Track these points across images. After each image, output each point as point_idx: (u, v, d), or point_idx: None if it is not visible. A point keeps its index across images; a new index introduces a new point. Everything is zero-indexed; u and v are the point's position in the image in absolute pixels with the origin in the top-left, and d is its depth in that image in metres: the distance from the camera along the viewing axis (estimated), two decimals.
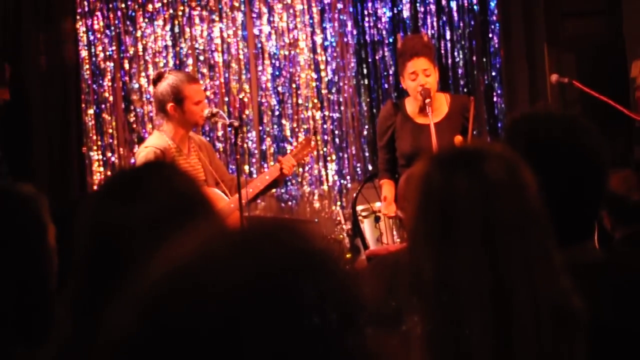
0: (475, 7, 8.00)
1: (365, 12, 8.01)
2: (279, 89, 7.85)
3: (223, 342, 0.98)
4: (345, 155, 7.96)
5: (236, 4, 7.77)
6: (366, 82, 8.03)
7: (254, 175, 7.44)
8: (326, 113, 7.91)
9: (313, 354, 1.00)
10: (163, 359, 1.00)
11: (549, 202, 1.97)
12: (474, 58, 8.03)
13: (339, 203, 7.84)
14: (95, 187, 7.34)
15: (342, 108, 7.95)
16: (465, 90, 7.95)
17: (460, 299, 1.81)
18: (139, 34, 7.61)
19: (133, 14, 7.61)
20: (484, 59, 8.05)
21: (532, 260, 1.84)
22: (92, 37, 7.51)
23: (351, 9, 7.98)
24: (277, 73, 7.85)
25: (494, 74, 8.03)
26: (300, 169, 7.74)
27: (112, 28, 7.58)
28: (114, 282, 1.62)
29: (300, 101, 7.86)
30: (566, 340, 1.84)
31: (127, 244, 1.70)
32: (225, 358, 0.98)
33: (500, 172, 1.88)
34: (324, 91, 7.90)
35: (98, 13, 7.52)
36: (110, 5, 7.56)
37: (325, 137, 7.90)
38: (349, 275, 1.09)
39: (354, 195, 6.69)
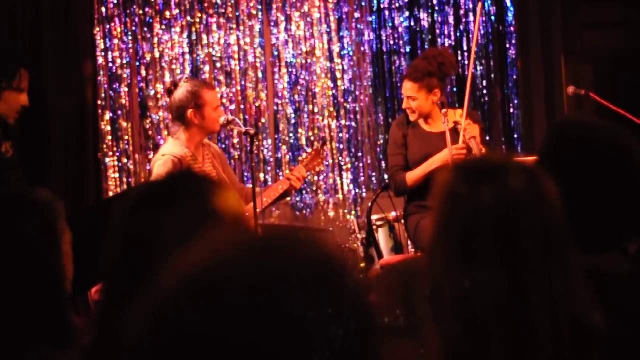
0: (492, 18, 8.00)
1: (383, 22, 8.01)
2: (296, 97, 7.86)
3: (236, 348, 0.98)
4: (361, 165, 7.96)
5: (254, 12, 7.78)
6: (383, 91, 8.03)
7: (269, 183, 7.44)
8: (342, 122, 7.92)
9: (296, 344, 1.01)
10: None
11: (587, 206, 1.98)
12: (492, 69, 8.03)
13: (353, 212, 7.84)
14: (110, 194, 7.36)
15: (358, 117, 7.95)
16: (482, 101, 7.95)
17: (479, 312, 1.81)
18: (156, 40, 7.63)
19: (150, 20, 7.63)
20: (501, 70, 8.05)
21: (552, 275, 1.83)
22: (109, 43, 7.53)
23: (369, 18, 7.98)
24: (293, 81, 7.86)
25: (510, 85, 8.02)
26: (316, 178, 7.74)
27: (130, 34, 7.60)
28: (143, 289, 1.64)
29: (316, 110, 7.86)
30: (584, 355, 1.83)
31: (158, 253, 1.71)
32: (216, 346, 0.99)
33: (524, 185, 1.88)
34: (340, 100, 7.91)
35: (116, 19, 7.54)
36: (128, 12, 7.58)
37: (341, 146, 7.90)
38: (363, 285, 1.09)
39: (369, 204, 6.68)
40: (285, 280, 1.04)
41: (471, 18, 8.01)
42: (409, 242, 6.23)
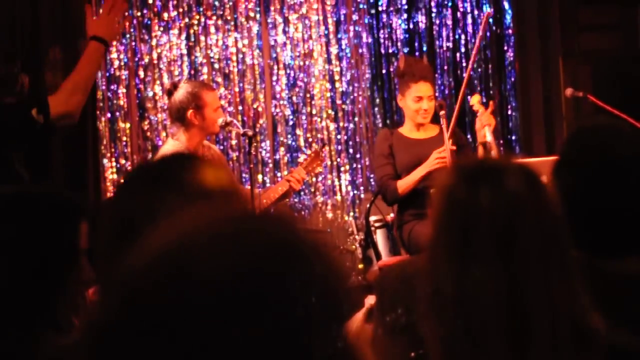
0: (490, 19, 8.00)
1: (381, 24, 8.02)
2: (294, 99, 7.86)
3: (202, 331, 0.97)
4: (359, 166, 7.96)
5: (252, 14, 7.78)
6: (380, 93, 8.03)
7: (267, 185, 7.45)
8: (340, 124, 7.92)
9: (295, 345, 0.99)
10: (144, 345, 0.99)
11: (609, 211, 1.99)
12: (489, 71, 8.03)
13: (351, 213, 7.84)
14: (109, 195, 7.35)
15: (356, 119, 7.96)
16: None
17: (478, 312, 1.81)
18: (154, 42, 7.63)
19: (149, 22, 7.63)
20: (499, 72, 8.05)
21: (551, 278, 1.83)
22: None
23: (366, 20, 7.99)
24: (291, 83, 7.86)
25: (508, 87, 8.02)
26: (314, 179, 7.74)
27: (128, 36, 7.59)
28: None
29: (314, 111, 7.86)
30: (584, 357, 1.83)
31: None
32: (204, 347, 0.97)
33: (522, 187, 1.88)
34: (338, 102, 7.91)
35: None
36: (126, 14, 7.56)
37: (339, 147, 7.91)
38: (335, 266, 1.07)
39: (367, 205, 6.68)
40: (254, 261, 1.01)
41: (469, 20, 8.01)
42: (401, 250, 6.22)
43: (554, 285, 1.83)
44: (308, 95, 7.87)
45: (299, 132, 7.85)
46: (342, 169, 7.91)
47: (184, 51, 7.68)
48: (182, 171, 1.84)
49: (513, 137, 8.02)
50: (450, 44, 8.01)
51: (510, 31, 8.02)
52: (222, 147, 7.56)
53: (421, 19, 8.01)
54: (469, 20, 8.01)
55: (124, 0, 5.08)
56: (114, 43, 7.51)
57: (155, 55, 7.62)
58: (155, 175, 1.85)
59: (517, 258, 1.82)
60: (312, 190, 7.87)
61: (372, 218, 6.44)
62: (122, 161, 7.53)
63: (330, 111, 7.89)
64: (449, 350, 1.84)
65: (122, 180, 1.89)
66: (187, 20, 7.68)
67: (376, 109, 8.05)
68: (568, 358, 1.81)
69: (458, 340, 1.82)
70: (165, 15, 7.63)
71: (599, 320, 1.85)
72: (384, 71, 8.05)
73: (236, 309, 0.98)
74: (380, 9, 8.01)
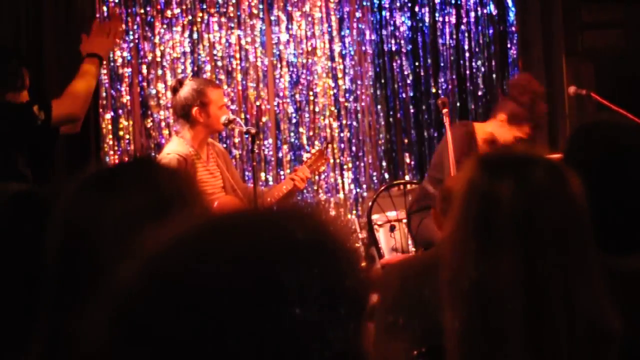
0: (494, 17, 8.00)
1: (384, 21, 8.01)
2: (297, 96, 7.85)
3: (204, 329, 0.97)
4: (362, 164, 7.95)
5: (255, 12, 7.78)
6: (384, 91, 8.03)
7: (270, 183, 7.45)
8: (343, 121, 7.91)
9: (294, 346, 0.99)
10: (162, 321, 0.98)
11: (616, 208, 1.99)
12: (492, 68, 8.03)
13: (354, 211, 7.83)
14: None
15: (359, 117, 7.95)
16: (483, 100, 7.95)
17: (495, 307, 1.80)
18: (157, 39, 7.62)
19: (152, 19, 7.62)
20: (502, 70, 8.04)
21: (568, 274, 1.83)
22: None
23: (370, 18, 7.98)
24: (294, 81, 7.85)
25: None
26: (317, 177, 7.73)
27: (131, 33, 7.58)
28: (88, 284, 1.56)
29: (317, 109, 7.86)
30: (599, 351, 1.83)
31: (101, 244, 1.60)
32: (206, 346, 0.96)
33: (546, 181, 1.87)
34: (341, 99, 7.90)
35: None
36: (129, 11, 7.57)
37: (342, 145, 7.90)
38: (339, 268, 1.07)
39: (370, 204, 6.68)
40: (252, 260, 1.01)
41: (472, 18, 8.01)
42: (409, 242, 6.21)
43: (571, 281, 1.82)
44: (311, 93, 7.86)
45: (302, 129, 7.84)
46: (345, 166, 7.91)
47: (187, 49, 7.67)
48: (135, 177, 1.73)
49: None
50: (453, 42, 8.00)
51: (513, 29, 8.01)
52: (225, 145, 7.55)
53: (425, 16, 8.00)
54: (473, 17, 8.01)
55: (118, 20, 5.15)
56: (117, 40, 7.50)
57: (158, 53, 7.61)
58: (107, 181, 1.74)
59: (535, 252, 1.82)
60: (315, 188, 7.86)
61: (375, 216, 6.43)
62: (125, 159, 7.52)
63: (333, 109, 7.88)
64: (465, 341, 1.84)
65: (71, 185, 1.71)
66: (190, 17, 7.67)
67: (379, 106, 8.04)
68: (583, 353, 1.81)
69: (474, 331, 1.82)
70: (169, 12, 7.62)
71: (617, 318, 1.85)
72: (387, 69, 8.04)
73: (233, 309, 0.97)
74: (383, 5, 8.00)
